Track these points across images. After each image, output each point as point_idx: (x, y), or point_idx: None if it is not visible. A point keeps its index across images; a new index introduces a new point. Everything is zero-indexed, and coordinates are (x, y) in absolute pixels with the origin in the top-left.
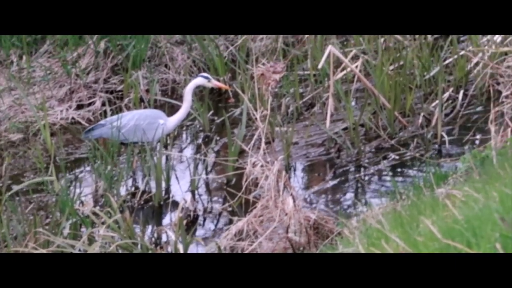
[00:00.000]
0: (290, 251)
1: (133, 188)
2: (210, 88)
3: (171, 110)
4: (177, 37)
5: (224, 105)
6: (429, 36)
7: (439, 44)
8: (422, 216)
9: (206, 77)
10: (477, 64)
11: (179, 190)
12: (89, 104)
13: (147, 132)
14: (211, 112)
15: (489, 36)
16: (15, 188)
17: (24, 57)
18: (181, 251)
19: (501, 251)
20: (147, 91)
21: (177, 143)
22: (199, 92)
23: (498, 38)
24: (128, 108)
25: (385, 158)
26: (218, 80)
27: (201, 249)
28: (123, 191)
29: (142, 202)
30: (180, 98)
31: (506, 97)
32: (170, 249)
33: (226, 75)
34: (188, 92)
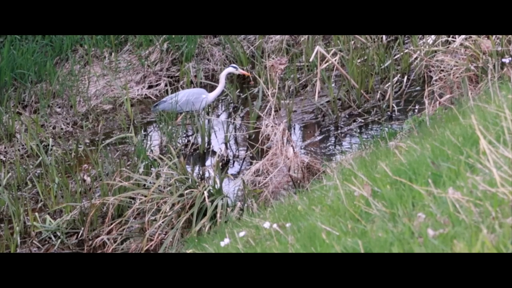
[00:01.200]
0: (291, 184)
1: (186, 141)
2: (237, 75)
3: (211, 89)
4: (215, 40)
5: (247, 86)
6: (384, 39)
7: (390, 45)
8: (379, 160)
9: (234, 67)
10: (416, 58)
11: (217, 143)
12: (156, 85)
13: (195, 104)
14: (238, 91)
15: (424, 39)
16: (107, 141)
17: (113, 54)
18: (218, 184)
19: (432, 185)
20: (195, 76)
21: (215, 111)
22: (230, 77)
23: (430, 40)
24: (182, 88)
25: (354, 121)
26: (242, 69)
27: (231, 184)
28: (179, 143)
29: (192, 151)
30: (217, 81)
31: (436, 80)
32: (211, 182)
33: (248, 65)
34: (222, 77)
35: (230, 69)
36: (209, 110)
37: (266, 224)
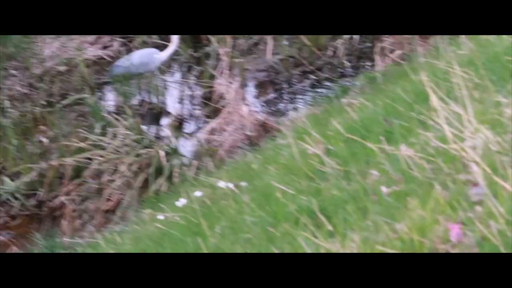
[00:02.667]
0: (246, 143)
1: (140, 101)
2: None
3: (163, 47)
4: None
5: (200, 45)
6: None
7: None
8: (332, 117)
9: None
10: None
11: (172, 102)
12: (110, 46)
13: (149, 64)
14: (191, 50)
15: None
16: (63, 102)
17: None
18: (174, 143)
19: (385, 142)
20: (149, 36)
21: (169, 71)
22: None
23: None
24: (137, 49)
25: (307, 78)
26: None
27: (187, 143)
28: (134, 103)
29: (147, 110)
30: (168, 40)
31: (386, 37)
32: (167, 142)
33: None
34: (174, 36)
35: None
36: (163, 69)
37: (221, 183)
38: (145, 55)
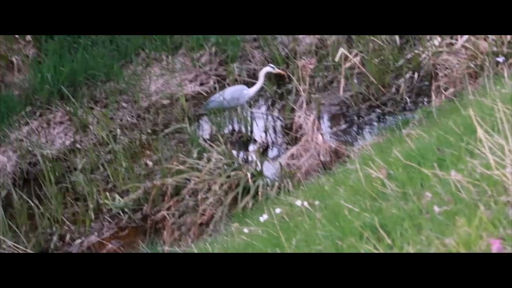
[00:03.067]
0: (320, 166)
1: (231, 130)
2: (274, 73)
3: (252, 85)
4: (255, 44)
5: (282, 83)
6: (397, 41)
7: (403, 46)
8: (393, 146)
9: (272, 66)
10: (424, 57)
11: (258, 131)
12: (206, 83)
13: (239, 99)
14: (275, 87)
15: (431, 41)
16: (166, 131)
17: (169, 56)
18: (259, 167)
19: (437, 168)
20: (239, 75)
21: (256, 105)
22: (268, 75)
23: (436, 42)
24: (229, 85)
25: (373, 112)
26: (279, 68)
27: (270, 166)
28: (226, 131)
29: (237, 138)
30: (257, 78)
31: (441, 76)
32: (253, 165)
33: (283, 65)
34: (261, 75)
35: (268, 68)
36: (251, 103)
37: (298, 202)
38: (236, 91)
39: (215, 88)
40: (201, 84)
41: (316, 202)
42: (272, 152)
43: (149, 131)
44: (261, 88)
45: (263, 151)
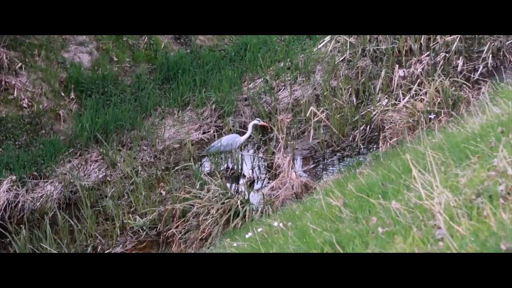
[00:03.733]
0: (293, 197)
1: (226, 168)
2: (260, 125)
3: (242, 134)
4: (246, 102)
5: (266, 132)
6: (354, 101)
7: (359, 105)
8: (349, 181)
9: (258, 120)
10: (375, 114)
11: (246, 169)
12: (208, 132)
13: (233, 145)
14: (260, 135)
15: (380, 102)
16: (176, 168)
17: (180, 111)
18: (247, 196)
19: (381, 199)
20: (233, 126)
21: (246, 149)
22: (255, 126)
23: (384, 102)
24: (225, 134)
25: (335, 155)
26: (263, 121)
27: (255, 196)
28: (222, 169)
29: (230, 174)
30: (246, 129)
31: (387, 129)
32: (242, 195)
33: (267, 118)
34: (250, 126)
35: (255, 121)
36: (242, 148)
37: (275, 223)
38: (231, 139)
39: (214, 136)
40: (204, 133)
41: (289, 223)
42: (257, 185)
43: (163, 168)
44: (250, 136)
45: (250, 184)
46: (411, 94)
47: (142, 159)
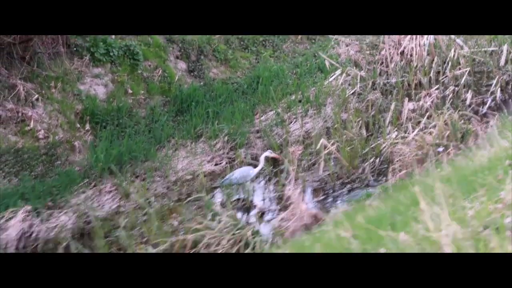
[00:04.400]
0: (303, 228)
1: (237, 199)
2: (271, 157)
3: (254, 165)
4: (258, 134)
5: (277, 164)
6: (364, 134)
7: (369, 138)
8: (358, 213)
9: (270, 152)
10: (384, 146)
11: (257, 200)
12: (220, 163)
13: (246, 177)
14: (271, 167)
15: (389, 135)
16: (188, 199)
17: (193, 143)
18: (257, 227)
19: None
20: (245, 157)
21: (257, 180)
22: (267, 158)
23: (393, 135)
24: (237, 165)
25: (345, 187)
26: (275, 153)
27: (266, 227)
28: (233, 200)
29: (241, 205)
30: (258, 160)
31: (396, 161)
32: (253, 226)
33: (278, 150)
34: (262, 158)
35: (267, 153)
36: (253, 179)
37: None
38: (244, 171)
39: (226, 167)
40: (216, 164)
41: None
42: (267, 216)
43: (176, 199)
44: (262, 168)
45: (261, 215)
46: (420, 127)
47: (155, 190)
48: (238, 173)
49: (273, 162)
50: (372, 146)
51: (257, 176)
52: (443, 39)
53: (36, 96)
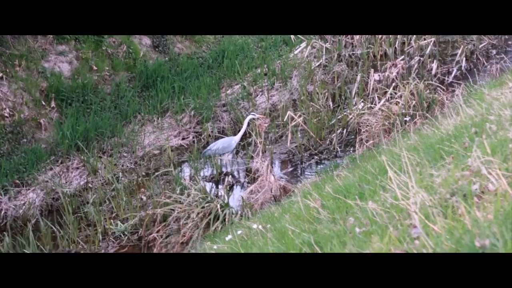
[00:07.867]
0: (272, 200)
1: (205, 172)
2: (256, 118)
3: (220, 137)
4: (224, 108)
5: (245, 137)
6: (331, 105)
7: (335, 109)
8: (326, 183)
9: (253, 114)
10: (351, 117)
11: (226, 174)
12: (187, 138)
13: (230, 146)
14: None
15: (356, 106)
16: (156, 173)
17: (159, 118)
18: (226, 200)
19: (358, 200)
20: (211, 131)
21: (225, 154)
22: (248, 122)
23: (360, 106)
24: (204, 139)
25: (312, 158)
26: (259, 115)
27: (235, 199)
28: (202, 174)
29: (210, 178)
30: (225, 134)
31: (363, 132)
32: (222, 199)
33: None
34: (245, 122)
35: (250, 116)
36: (234, 150)
37: (255, 225)
38: (226, 142)
39: (193, 142)
40: (183, 139)
41: (268, 226)
42: (236, 189)
43: (144, 174)
44: (245, 133)
45: (230, 188)
46: (387, 98)
47: (122, 166)
48: (220, 143)
49: (242, 136)
50: (339, 117)
51: (241, 139)
52: None
53: (0, 74)
